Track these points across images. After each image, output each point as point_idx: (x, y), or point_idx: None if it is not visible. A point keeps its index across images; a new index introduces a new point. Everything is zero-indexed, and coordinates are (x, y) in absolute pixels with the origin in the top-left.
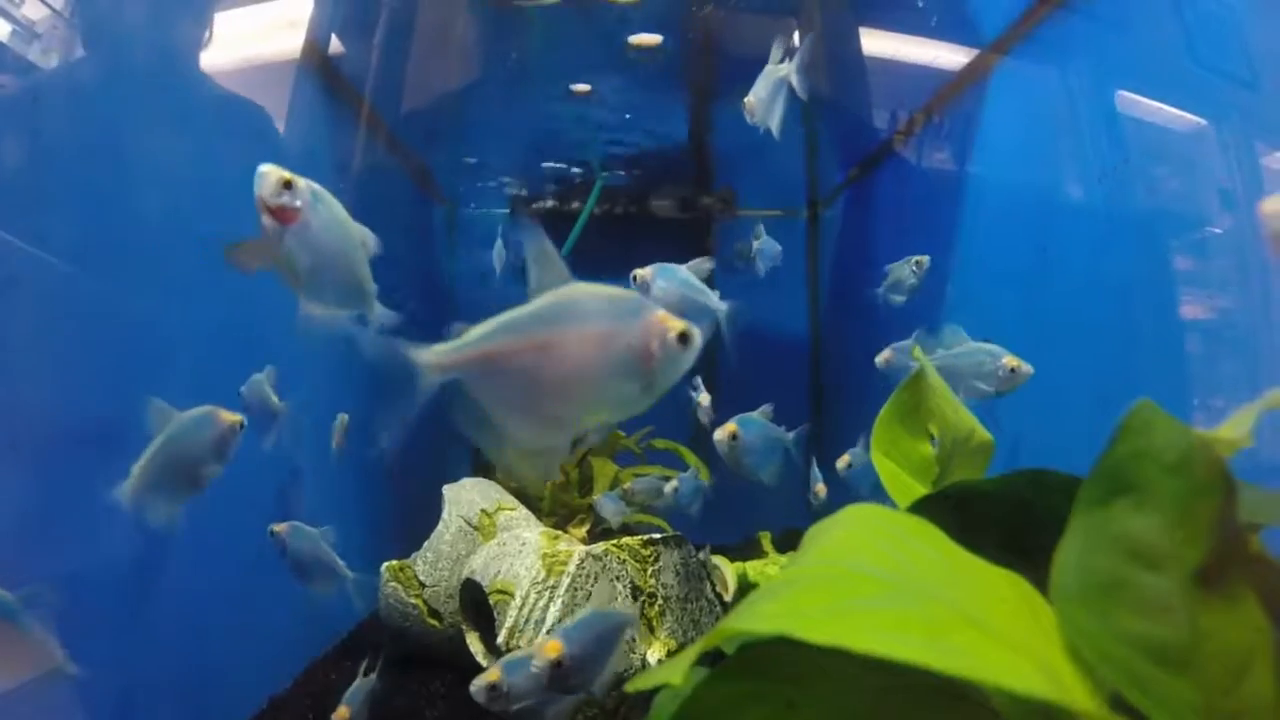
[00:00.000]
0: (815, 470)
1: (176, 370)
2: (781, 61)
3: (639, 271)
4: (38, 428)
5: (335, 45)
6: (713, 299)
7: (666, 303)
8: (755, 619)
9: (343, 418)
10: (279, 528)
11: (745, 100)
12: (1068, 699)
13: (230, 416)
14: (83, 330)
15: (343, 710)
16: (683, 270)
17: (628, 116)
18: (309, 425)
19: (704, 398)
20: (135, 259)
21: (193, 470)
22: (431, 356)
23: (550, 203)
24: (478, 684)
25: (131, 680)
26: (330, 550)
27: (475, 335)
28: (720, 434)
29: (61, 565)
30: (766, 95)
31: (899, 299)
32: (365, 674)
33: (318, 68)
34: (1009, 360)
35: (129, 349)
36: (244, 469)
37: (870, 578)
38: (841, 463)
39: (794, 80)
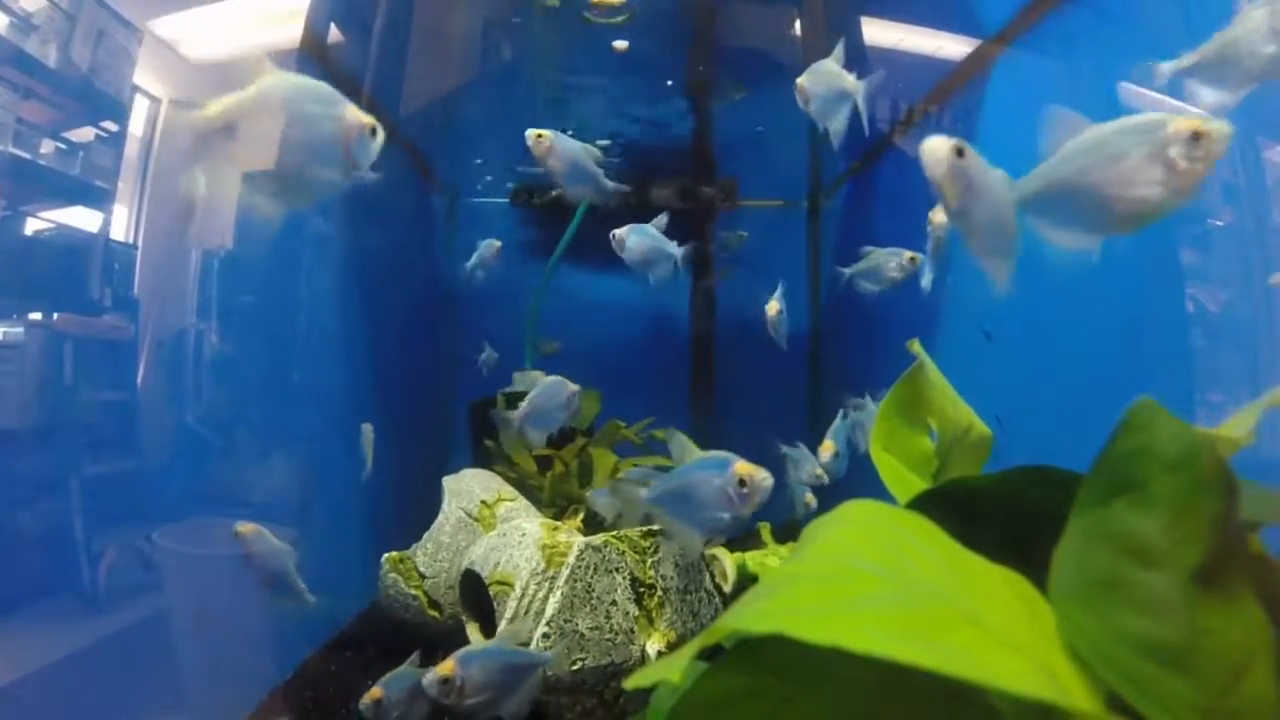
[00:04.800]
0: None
1: None
2: (849, 71)
3: (616, 231)
4: None
5: (334, 34)
6: (670, 245)
7: (640, 252)
8: (752, 618)
9: (368, 428)
10: (244, 529)
11: (799, 82)
12: (1066, 699)
13: (571, 385)
14: None
15: (375, 691)
16: (649, 228)
17: (630, 105)
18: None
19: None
20: None
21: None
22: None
23: (551, 192)
24: (430, 678)
25: (135, 677)
26: (293, 570)
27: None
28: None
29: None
30: (830, 97)
31: (870, 287)
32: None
33: (317, 57)
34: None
35: None
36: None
37: (868, 575)
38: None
39: (860, 105)
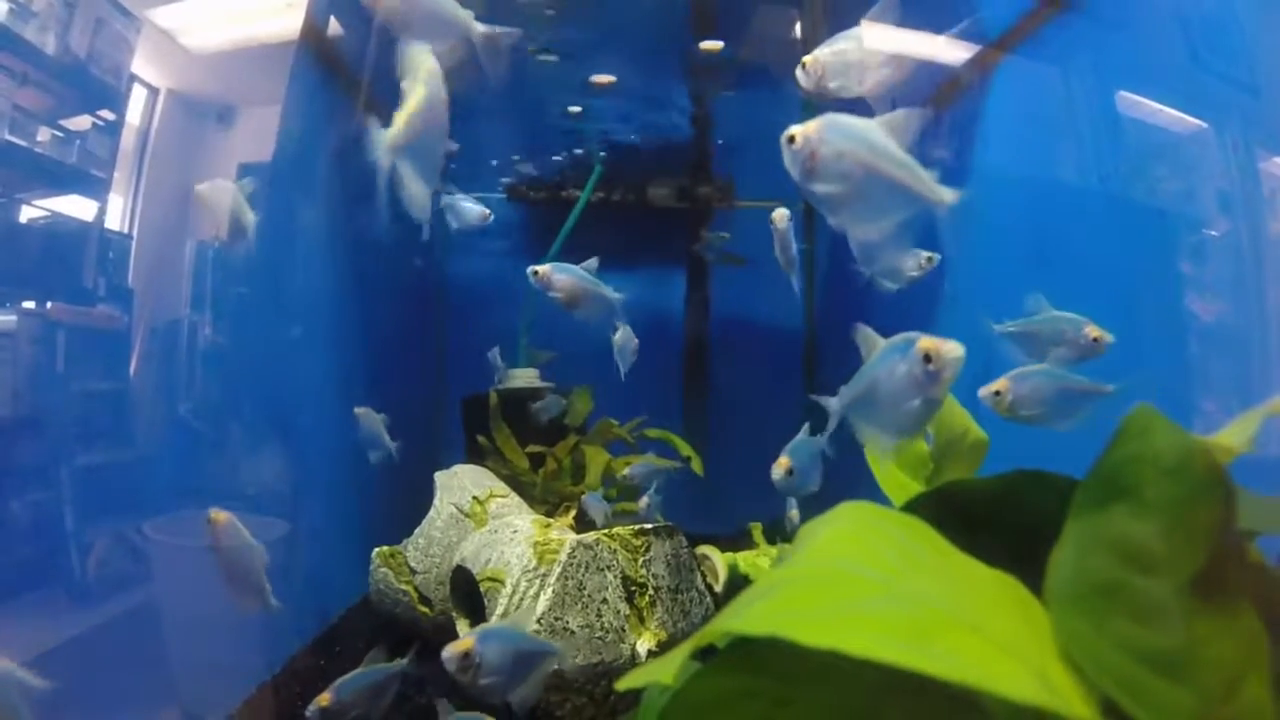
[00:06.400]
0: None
1: None
2: None
3: (538, 268)
4: None
5: (334, 26)
6: (608, 290)
7: (568, 291)
8: (749, 620)
9: (364, 411)
10: (217, 516)
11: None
12: (1060, 705)
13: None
14: None
15: (324, 697)
16: (577, 268)
17: (628, 103)
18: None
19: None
20: None
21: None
22: None
23: (546, 190)
24: (450, 653)
25: (123, 670)
26: (262, 571)
27: None
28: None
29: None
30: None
31: (890, 285)
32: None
33: (316, 49)
34: (1091, 329)
35: None
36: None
37: (864, 579)
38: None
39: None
